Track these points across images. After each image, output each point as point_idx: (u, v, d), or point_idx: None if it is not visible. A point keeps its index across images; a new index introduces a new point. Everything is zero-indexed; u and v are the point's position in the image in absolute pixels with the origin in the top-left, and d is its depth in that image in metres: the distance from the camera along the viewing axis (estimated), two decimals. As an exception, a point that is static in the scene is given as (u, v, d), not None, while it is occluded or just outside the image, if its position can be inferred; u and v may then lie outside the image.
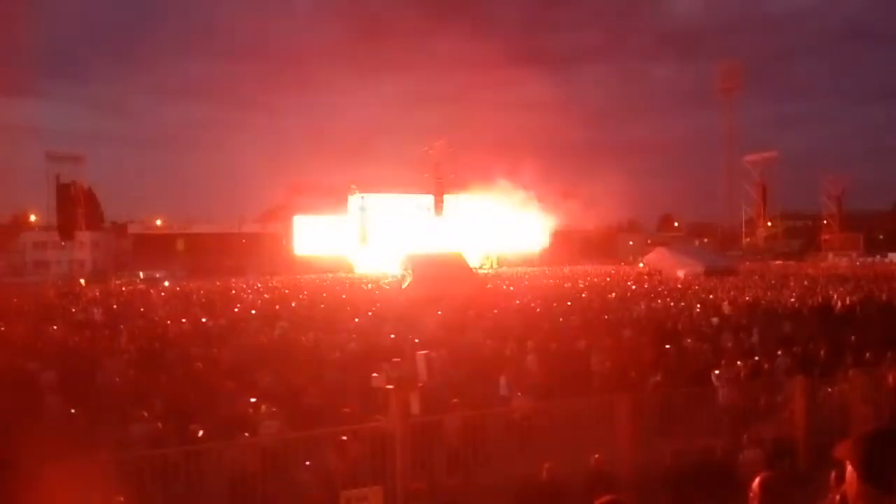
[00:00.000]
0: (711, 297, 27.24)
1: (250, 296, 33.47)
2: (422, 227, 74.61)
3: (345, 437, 7.65)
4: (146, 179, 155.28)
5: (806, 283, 35.12)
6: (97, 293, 37.82)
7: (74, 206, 70.91)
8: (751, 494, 3.53)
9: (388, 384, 10.96)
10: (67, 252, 69.25)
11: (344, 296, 32.28)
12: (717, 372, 11.77)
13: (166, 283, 48.18)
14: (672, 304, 25.02)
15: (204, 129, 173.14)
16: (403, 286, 35.79)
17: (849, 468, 2.07)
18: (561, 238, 79.78)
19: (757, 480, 3.57)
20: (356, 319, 21.01)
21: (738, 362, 12.47)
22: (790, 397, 9.33)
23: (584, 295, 29.62)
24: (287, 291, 35.99)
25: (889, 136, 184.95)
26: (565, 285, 37.10)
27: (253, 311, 25.14)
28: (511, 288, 36.83)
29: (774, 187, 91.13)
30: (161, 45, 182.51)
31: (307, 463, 7.56)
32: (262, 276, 52.50)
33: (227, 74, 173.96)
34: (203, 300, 30.93)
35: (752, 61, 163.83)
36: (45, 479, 5.24)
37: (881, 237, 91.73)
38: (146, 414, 9.38)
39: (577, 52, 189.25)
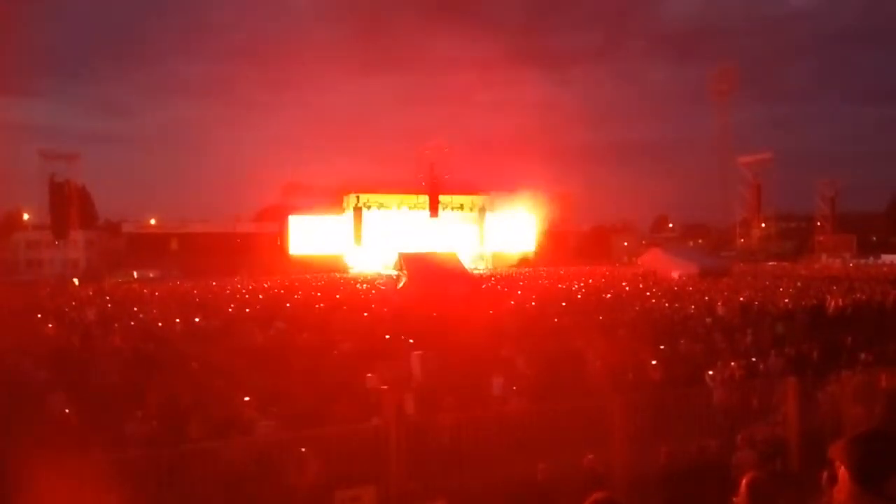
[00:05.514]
0: (706, 298, 27.30)
1: (245, 296, 33.40)
2: (417, 228, 74.61)
3: (304, 450, 7.59)
4: (140, 178, 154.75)
5: (799, 284, 35.23)
6: (91, 292, 37.69)
7: (68, 205, 70.57)
8: (738, 494, 3.54)
9: (383, 384, 11.00)
10: (61, 251, 68.92)
11: (338, 296, 32.23)
12: (710, 373, 11.81)
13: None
14: (666, 304, 25.08)
15: (198, 129, 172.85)
16: (398, 286, 35.79)
17: (841, 469, 2.08)
18: (555, 239, 79.90)
19: (744, 481, 3.58)
20: (351, 320, 20.99)
21: (732, 363, 12.52)
22: (783, 398, 9.36)
23: (579, 296, 29.66)
24: (282, 291, 35.93)
25: (883, 138, 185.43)
26: (560, 286, 37.12)
27: (247, 311, 25.12)
28: (506, 288, 36.83)
29: (768, 189, 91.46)
30: (156, 43, 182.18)
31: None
32: (256, 276, 52.36)
33: (221, 73, 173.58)
34: (197, 300, 30.85)
35: (747, 63, 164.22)
36: (40, 479, 5.22)
37: (874, 239, 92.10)
38: (140, 413, 9.37)
39: (572, 53, 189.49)
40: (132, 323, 21.40)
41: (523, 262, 74.98)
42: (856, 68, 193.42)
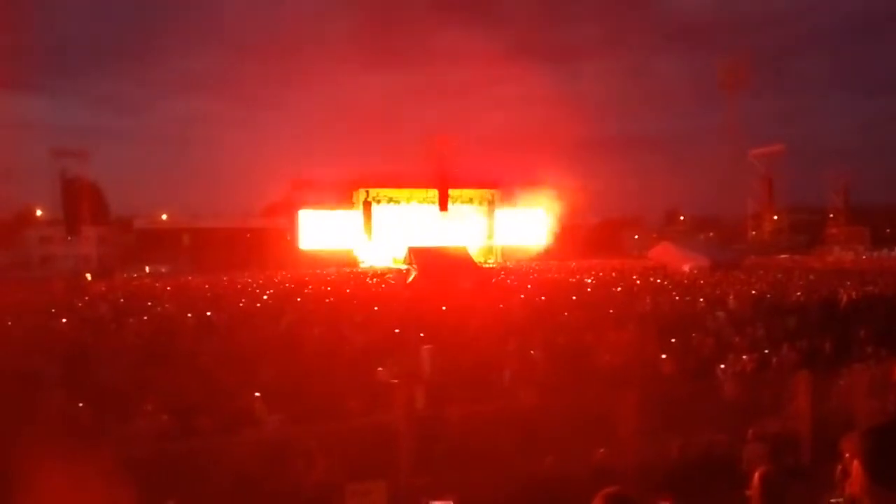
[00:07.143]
0: (717, 291, 27.17)
1: (256, 290, 33.52)
2: (426, 222, 74.61)
3: (314, 444, 7.61)
4: (151, 174, 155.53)
5: (811, 277, 34.99)
6: (103, 288, 37.93)
7: (80, 202, 71.07)
8: (751, 488, 3.52)
9: (393, 378, 11.03)
10: (73, 247, 69.43)
11: (349, 290, 32.29)
12: (722, 366, 11.76)
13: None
14: (677, 298, 24.97)
15: (209, 124, 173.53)
16: (408, 280, 35.86)
17: (854, 462, 2.05)
18: (565, 232, 79.64)
19: (757, 474, 3.56)
20: (361, 314, 21.01)
21: (744, 356, 12.45)
22: (795, 392, 9.31)
23: (588, 290, 29.59)
24: (292, 286, 36.02)
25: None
26: (570, 279, 37.03)
27: (258, 305, 25.20)
28: (516, 282, 36.78)
29: (780, 181, 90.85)
30: (165, 39, 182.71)
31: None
32: (267, 270, 52.52)
33: (231, 69, 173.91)
34: (208, 294, 30.98)
35: (758, 55, 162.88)
36: (50, 473, 5.26)
37: (887, 231, 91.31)
38: (150, 408, 9.41)
39: (581, 47, 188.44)
40: (144, 318, 21.51)
41: (538, 256, 74.80)
42: (868, 59, 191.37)
